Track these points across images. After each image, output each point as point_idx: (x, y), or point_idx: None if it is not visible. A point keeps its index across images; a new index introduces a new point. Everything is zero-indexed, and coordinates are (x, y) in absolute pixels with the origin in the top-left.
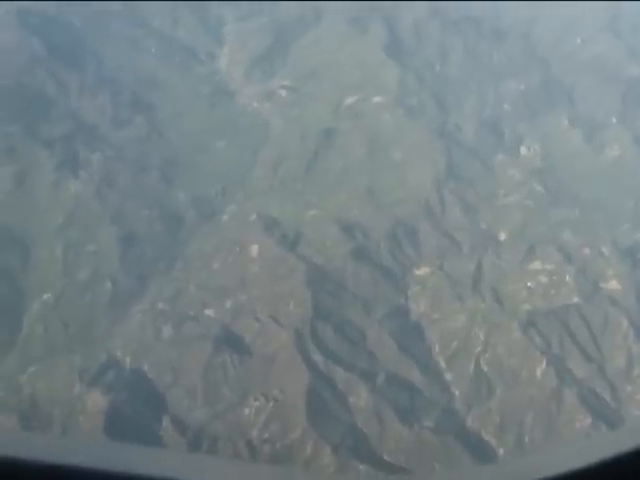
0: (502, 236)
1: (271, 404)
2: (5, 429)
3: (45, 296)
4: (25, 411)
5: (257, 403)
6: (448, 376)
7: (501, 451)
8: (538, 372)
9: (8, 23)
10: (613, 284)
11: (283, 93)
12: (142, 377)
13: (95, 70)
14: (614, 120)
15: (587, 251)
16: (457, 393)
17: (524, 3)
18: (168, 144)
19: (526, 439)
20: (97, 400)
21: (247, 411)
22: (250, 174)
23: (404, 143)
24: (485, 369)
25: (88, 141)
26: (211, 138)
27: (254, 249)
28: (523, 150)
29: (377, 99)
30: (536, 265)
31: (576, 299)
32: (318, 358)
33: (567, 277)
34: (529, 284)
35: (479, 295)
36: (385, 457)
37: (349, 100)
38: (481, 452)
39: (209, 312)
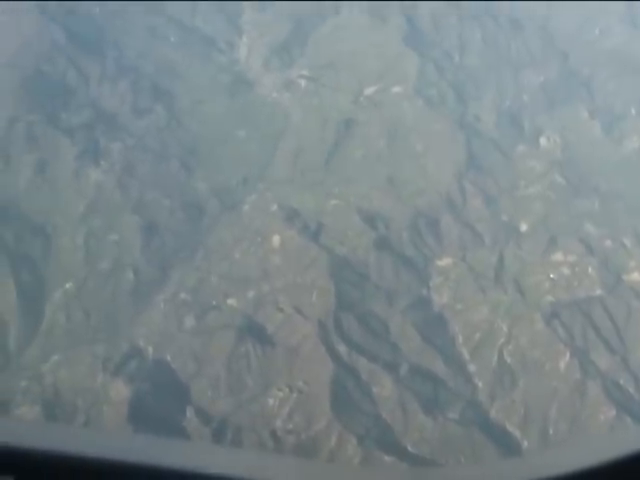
0: (523, 227)
1: (295, 395)
2: (28, 419)
3: (67, 285)
4: (48, 401)
5: (281, 394)
6: (471, 367)
7: (525, 443)
8: (562, 364)
9: (28, 11)
10: (635, 276)
11: (302, 83)
12: (165, 367)
13: (115, 59)
14: (633, 111)
15: (609, 243)
16: (480, 384)
17: None
18: (188, 133)
19: (550, 431)
20: (120, 390)
21: (271, 402)
22: (270, 164)
23: (424, 133)
24: (508, 361)
25: (108, 130)
26: (231, 127)
27: (276, 239)
28: (543, 141)
29: (396, 89)
30: (558, 257)
31: (599, 291)
32: (342, 349)
33: (589, 269)
34: (551, 276)
35: (501, 287)
36: (410, 448)
37: (369, 90)
38: (505, 444)
39: (231, 302)
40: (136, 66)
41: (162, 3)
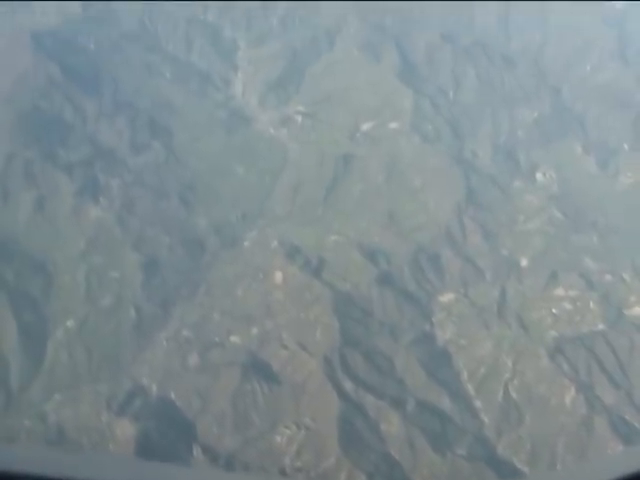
0: (523, 262)
1: (303, 432)
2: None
3: (68, 323)
4: (52, 440)
5: (288, 431)
6: (477, 403)
7: None
8: (567, 399)
9: (22, 45)
10: (636, 310)
11: (299, 119)
12: (170, 405)
13: (111, 95)
14: (626, 147)
15: (609, 277)
16: (487, 420)
17: (532, 28)
18: (186, 169)
19: (558, 466)
20: (126, 428)
21: (279, 439)
22: (269, 200)
23: (422, 169)
24: (514, 396)
25: (107, 166)
26: (229, 163)
27: (278, 276)
28: (539, 176)
29: (393, 125)
30: (559, 291)
31: (601, 326)
32: (348, 385)
33: (591, 303)
34: (554, 310)
35: (504, 322)
36: None
37: (365, 126)
38: None
39: (235, 339)
40: (133, 102)
41: (157, 39)
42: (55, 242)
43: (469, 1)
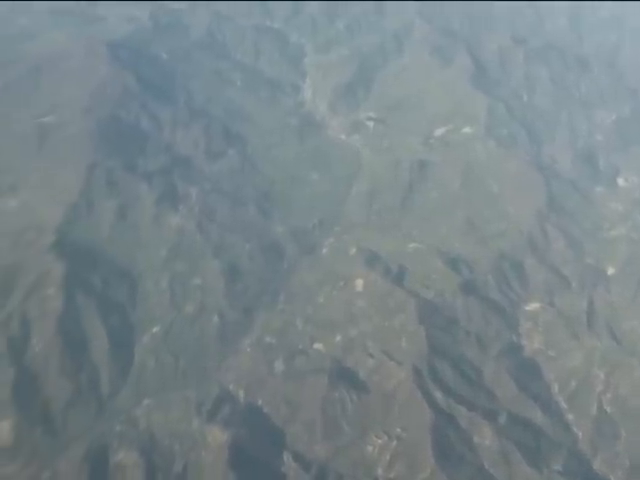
0: (610, 270)
1: (395, 442)
2: (127, 464)
3: (154, 329)
4: (145, 446)
5: (380, 441)
6: (570, 416)
7: None
8: None
9: (99, 56)
10: None
11: (370, 125)
12: (258, 412)
13: (185, 103)
14: None
15: None
16: (581, 434)
17: (605, 29)
18: (262, 176)
19: None
20: (217, 435)
21: (370, 448)
22: (345, 206)
23: (499, 174)
24: (608, 410)
25: (185, 174)
26: (304, 170)
27: (359, 283)
28: (620, 181)
29: (467, 130)
30: None
31: None
32: (438, 396)
33: None
34: None
35: (594, 332)
36: None
37: (439, 131)
38: None
39: (318, 346)
40: (206, 110)
41: (226, 47)
42: (138, 249)
43: (537, 2)
